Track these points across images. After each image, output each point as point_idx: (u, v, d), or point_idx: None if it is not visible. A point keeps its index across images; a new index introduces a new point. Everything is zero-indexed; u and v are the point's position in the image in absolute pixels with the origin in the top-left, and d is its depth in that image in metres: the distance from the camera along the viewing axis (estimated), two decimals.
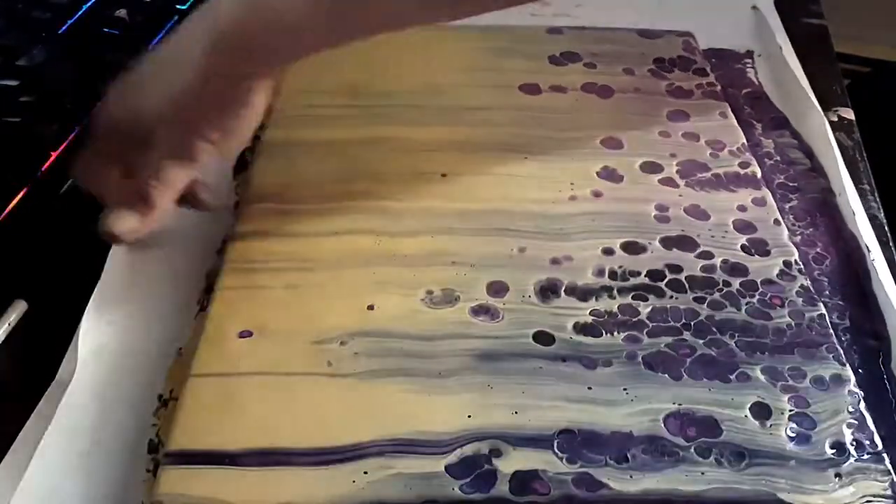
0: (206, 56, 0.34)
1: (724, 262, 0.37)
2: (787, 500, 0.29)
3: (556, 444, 0.30)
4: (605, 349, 0.33)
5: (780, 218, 0.40)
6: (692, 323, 0.34)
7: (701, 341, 0.34)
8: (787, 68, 0.51)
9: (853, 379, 0.33)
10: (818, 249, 0.40)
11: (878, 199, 0.44)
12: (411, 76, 0.47)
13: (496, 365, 0.32)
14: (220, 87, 0.35)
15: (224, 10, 0.34)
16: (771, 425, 0.31)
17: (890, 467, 0.30)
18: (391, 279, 0.36)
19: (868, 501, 0.29)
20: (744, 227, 0.39)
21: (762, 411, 0.31)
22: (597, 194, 0.40)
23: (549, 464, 0.29)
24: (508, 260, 0.37)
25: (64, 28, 0.53)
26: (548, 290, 0.36)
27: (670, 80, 0.48)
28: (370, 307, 0.35)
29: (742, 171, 0.42)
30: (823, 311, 0.35)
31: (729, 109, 0.46)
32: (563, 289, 0.36)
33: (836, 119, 0.49)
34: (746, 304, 0.35)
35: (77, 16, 0.54)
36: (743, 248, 0.38)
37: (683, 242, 0.38)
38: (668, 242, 0.38)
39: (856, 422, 0.31)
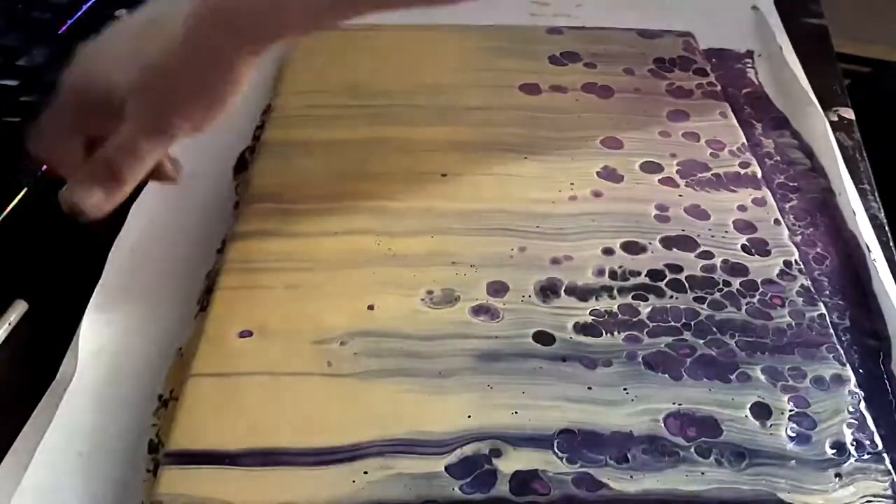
0: (187, 27, 0.32)
1: (725, 261, 0.37)
2: (787, 500, 0.29)
3: (556, 444, 0.30)
4: (605, 349, 0.33)
5: (780, 218, 0.40)
6: (692, 323, 0.34)
7: (701, 341, 0.34)
8: (787, 68, 0.51)
9: (853, 379, 0.33)
10: (818, 249, 0.40)
11: (878, 199, 0.44)
12: (411, 76, 0.47)
13: (496, 365, 0.32)
14: (202, 62, 0.32)
15: None
16: (771, 425, 0.31)
17: (890, 467, 0.30)
18: (391, 279, 0.36)
19: (868, 501, 0.29)
20: (744, 226, 0.39)
21: (762, 411, 0.31)
22: (597, 194, 0.40)
23: (549, 464, 0.29)
24: (508, 260, 0.37)
25: (64, 28, 0.53)
26: (548, 290, 0.36)
27: (670, 80, 0.48)
28: (370, 307, 0.35)
29: (742, 171, 0.42)
30: (823, 310, 0.35)
31: (729, 109, 0.46)
32: (563, 289, 0.36)
33: (836, 119, 0.49)
34: (746, 303, 0.35)
35: (77, 16, 0.54)
36: (743, 247, 0.38)
37: (683, 242, 0.38)
38: (668, 242, 0.38)
39: (856, 422, 0.31)
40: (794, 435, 0.31)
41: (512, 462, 0.29)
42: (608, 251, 0.37)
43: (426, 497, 0.28)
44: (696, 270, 0.37)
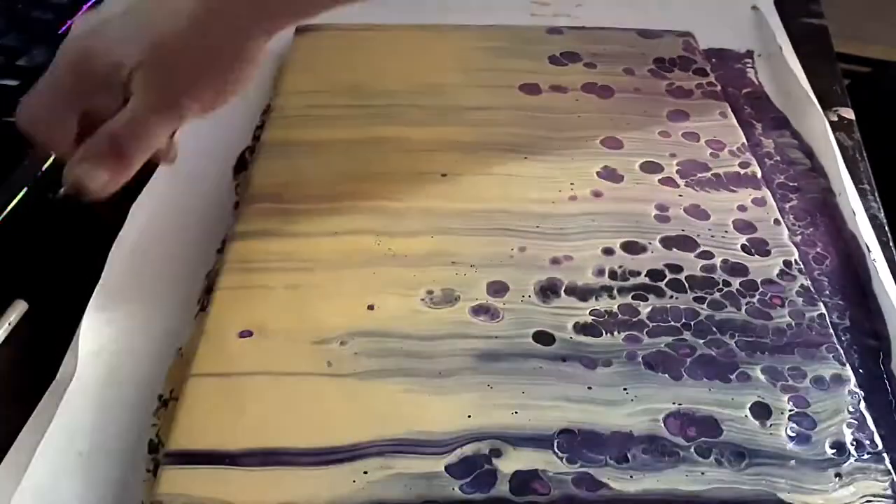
0: (202, 1, 0.30)
1: (724, 261, 0.37)
2: (787, 500, 0.29)
3: (556, 444, 0.30)
4: (605, 349, 0.33)
5: (780, 218, 0.40)
6: (692, 323, 0.34)
7: (701, 341, 0.34)
8: (787, 68, 0.51)
9: (853, 379, 0.33)
10: (818, 249, 0.40)
11: (878, 199, 0.44)
12: (411, 76, 0.47)
13: (496, 365, 0.32)
14: (217, 40, 0.31)
15: None
16: (771, 425, 0.31)
17: (890, 467, 0.30)
18: (391, 279, 0.36)
19: (868, 501, 0.29)
20: (744, 226, 0.39)
21: (762, 411, 0.31)
22: (597, 194, 0.40)
23: (549, 464, 0.29)
24: (508, 260, 0.37)
25: (64, 28, 0.53)
26: (548, 290, 0.36)
27: (670, 80, 0.48)
28: (370, 307, 0.35)
29: (742, 171, 0.42)
30: (823, 310, 0.35)
31: (729, 109, 0.46)
32: (563, 289, 0.36)
33: (836, 119, 0.49)
34: (746, 303, 0.35)
35: (77, 16, 0.54)
36: (743, 247, 0.38)
37: (683, 242, 0.38)
38: (668, 242, 0.38)
39: (856, 422, 0.31)
40: (794, 435, 0.31)
41: (512, 462, 0.29)
42: (608, 251, 0.37)
43: (426, 497, 0.28)
44: (696, 270, 0.37)
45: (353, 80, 0.47)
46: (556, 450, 0.30)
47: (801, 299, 0.36)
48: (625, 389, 0.32)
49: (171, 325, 0.36)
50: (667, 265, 0.37)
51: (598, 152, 0.43)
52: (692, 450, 0.30)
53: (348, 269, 0.36)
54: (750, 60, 0.53)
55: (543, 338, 0.34)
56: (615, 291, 0.36)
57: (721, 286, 0.36)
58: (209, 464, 0.29)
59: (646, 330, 0.34)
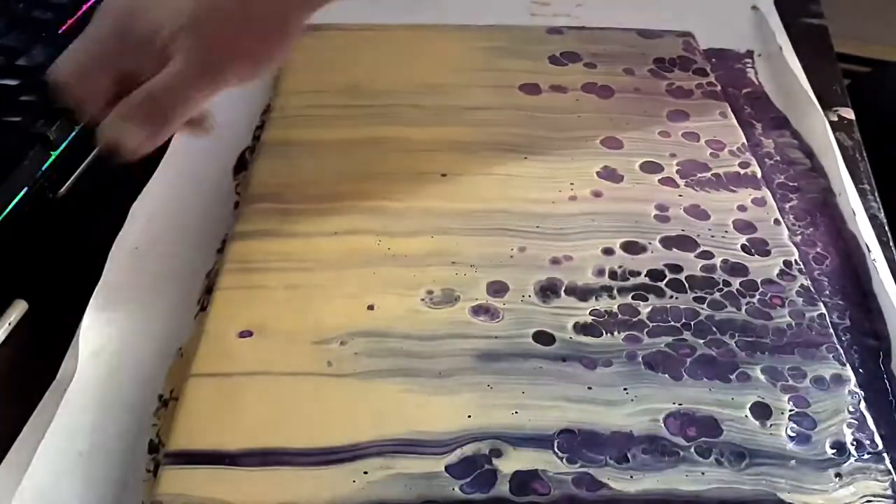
0: None
1: (724, 261, 0.37)
2: (788, 500, 0.29)
3: (556, 444, 0.30)
4: (605, 349, 0.33)
5: (780, 218, 0.40)
6: (692, 323, 0.34)
7: (701, 341, 0.34)
8: (787, 68, 0.51)
9: (853, 379, 0.33)
10: (818, 249, 0.40)
11: (878, 199, 0.44)
12: (411, 76, 0.47)
13: (496, 365, 0.32)
14: (262, 10, 0.31)
15: None
16: (771, 425, 0.31)
17: (890, 467, 0.30)
18: (391, 279, 0.36)
19: (868, 501, 0.29)
20: (744, 226, 0.39)
21: (762, 411, 0.31)
22: (597, 194, 0.40)
23: (549, 464, 0.29)
24: (508, 260, 0.37)
25: (64, 28, 0.53)
26: (548, 290, 0.36)
27: (670, 80, 0.48)
28: (370, 307, 0.35)
29: (742, 171, 0.42)
30: (823, 310, 0.35)
31: (729, 109, 0.46)
32: (563, 289, 0.36)
33: (836, 119, 0.49)
34: (746, 303, 0.35)
35: (77, 16, 0.54)
36: (743, 247, 0.38)
37: (683, 242, 0.38)
38: (668, 242, 0.38)
39: (856, 421, 0.31)
40: (794, 435, 0.31)
41: (512, 462, 0.29)
42: (608, 251, 0.37)
43: (426, 497, 0.28)
44: (696, 270, 0.37)
45: (353, 80, 0.47)
46: (556, 450, 0.30)
47: (801, 299, 0.36)
48: (625, 389, 0.32)
49: (171, 325, 0.36)
50: (667, 265, 0.37)
51: (598, 152, 0.43)
52: (692, 450, 0.30)
53: (348, 269, 0.36)
54: (750, 60, 0.53)
55: (543, 338, 0.34)
56: (615, 291, 0.36)
57: (721, 286, 0.36)
58: (209, 464, 0.29)
59: (646, 330, 0.34)
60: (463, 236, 0.38)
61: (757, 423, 0.31)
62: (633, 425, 0.31)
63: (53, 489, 0.30)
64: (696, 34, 0.52)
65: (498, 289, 0.36)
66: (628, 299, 0.35)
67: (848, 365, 0.33)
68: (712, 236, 0.38)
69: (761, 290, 0.36)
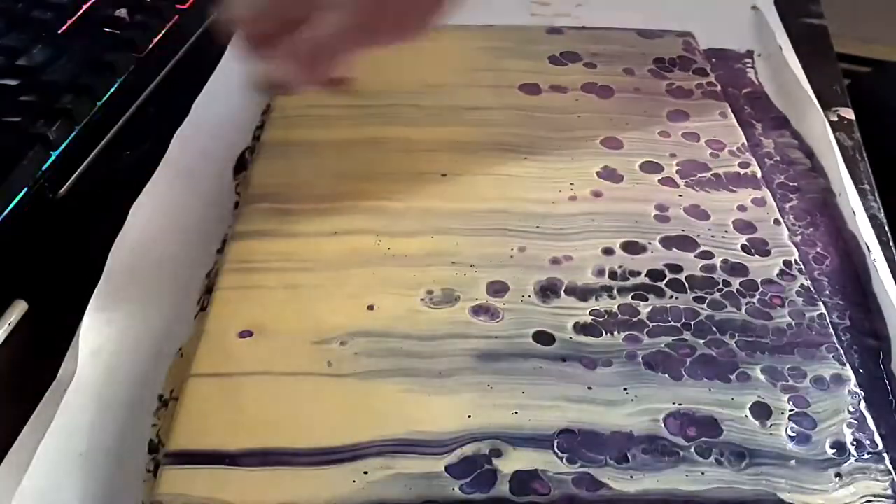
0: None
1: (724, 261, 0.37)
2: (787, 500, 0.29)
3: (556, 444, 0.30)
4: (605, 349, 0.33)
5: (780, 218, 0.40)
6: (692, 323, 0.34)
7: (701, 341, 0.34)
8: (787, 68, 0.51)
9: (853, 379, 0.33)
10: (818, 249, 0.40)
11: (878, 199, 0.44)
12: (411, 76, 0.47)
13: (496, 365, 0.32)
14: None
15: None
16: (771, 425, 0.31)
17: (890, 467, 0.30)
18: (391, 279, 0.36)
19: (868, 501, 0.29)
20: (744, 226, 0.39)
21: (762, 411, 0.31)
22: (597, 194, 0.40)
23: (549, 464, 0.29)
24: (508, 260, 0.37)
25: (64, 28, 0.53)
26: (548, 290, 0.36)
27: (670, 80, 0.48)
28: (370, 307, 0.35)
29: (742, 171, 0.42)
30: (823, 310, 0.35)
31: (729, 109, 0.46)
32: (563, 289, 0.36)
33: (836, 119, 0.49)
34: (746, 303, 0.35)
35: (77, 16, 0.54)
36: (743, 247, 0.38)
37: (683, 242, 0.38)
38: (668, 242, 0.38)
39: (856, 421, 0.31)
40: (794, 435, 0.31)
41: (512, 462, 0.29)
42: (608, 251, 0.37)
43: (426, 497, 0.28)
44: (696, 270, 0.37)
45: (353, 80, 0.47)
46: (556, 450, 0.30)
47: (801, 299, 0.36)
48: (625, 389, 0.32)
49: (171, 325, 0.36)
50: (667, 265, 0.37)
51: (598, 152, 0.43)
52: (692, 450, 0.30)
53: (348, 269, 0.36)
54: (750, 60, 0.53)
55: (543, 338, 0.34)
56: (615, 291, 0.36)
57: (721, 286, 0.36)
58: (209, 464, 0.29)
59: (646, 330, 0.34)
60: (463, 236, 0.38)
61: (757, 423, 0.31)
62: (633, 425, 0.31)
63: (53, 489, 0.30)
64: (696, 34, 0.52)
65: (498, 289, 0.36)
66: (628, 299, 0.35)
67: (848, 365, 0.33)
68: (712, 236, 0.38)
69: (761, 290, 0.36)
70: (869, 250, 0.39)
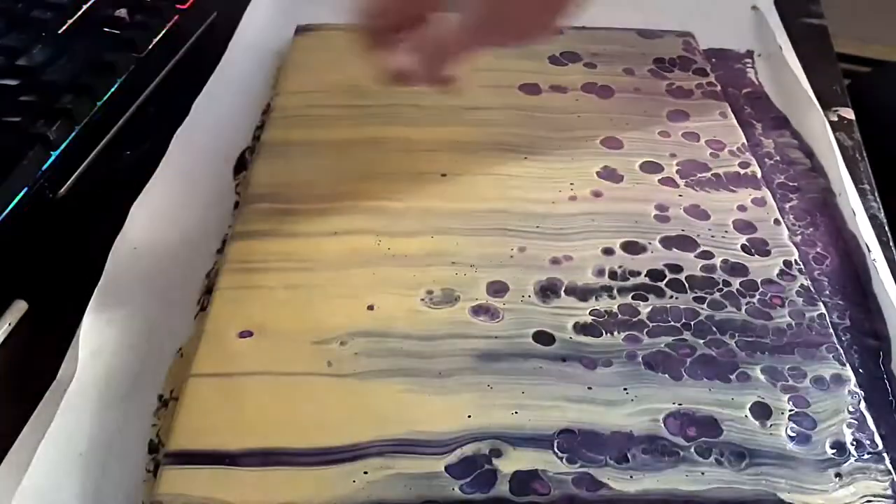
0: None
1: (724, 261, 0.37)
2: (787, 500, 0.29)
3: (556, 444, 0.30)
4: (605, 349, 0.33)
5: (780, 218, 0.40)
6: (692, 323, 0.34)
7: (701, 341, 0.34)
8: (787, 68, 0.51)
9: (853, 379, 0.33)
10: (818, 249, 0.40)
11: (878, 199, 0.44)
12: None
13: (496, 365, 0.33)
14: None
15: None
16: (771, 425, 0.31)
17: (890, 467, 0.30)
18: (391, 279, 0.36)
19: (868, 501, 0.29)
20: (744, 226, 0.39)
21: (762, 411, 0.31)
22: (597, 194, 0.40)
23: (549, 464, 0.29)
24: (508, 260, 0.37)
25: (64, 28, 0.53)
26: (548, 290, 0.36)
27: (670, 80, 0.48)
28: (370, 307, 0.35)
29: (742, 171, 0.42)
30: (823, 310, 0.35)
31: (729, 109, 0.46)
32: (563, 289, 0.36)
33: (836, 119, 0.49)
34: (746, 303, 0.35)
35: (77, 16, 0.54)
36: (743, 247, 0.38)
37: (683, 242, 0.38)
38: (668, 242, 0.38)
39: (856, 421, 0.31)
40: (794, 435, 0.31)
41: (512, 462, 0.29)
42: (608, 251, 0.37)
43: (426, 497, 0.28)
44: (696, 270, 0.37)
45: (353, 80, 0.47)
46: (556, 450, 0.30)
47: (801, 299, 0.36)
48: (625, 389, 0.32)
49: (171, 325, 0.36)
50: (667, 265, 0.37)
51: (598, 152, 0.43)
52: (692, 450, 0.30)
53: (348, 269, 0.36)
54: (750, 60, 0.53)
55: (543, 338, 0.34)
56: (615, 291, 0.36)
57: (721, 286, 0.36)
58: (209, 464, 0.29)
59: (646, 330, 0.34)
60: (463, 236, 0.38)
61: (757, 423, 0.31)
62: (633, 425, 0.31)
63: (53, 489, 0.30)
64: (696, 34, 0.52)
65: (498, 289, 0.36)
66: (628, 299, 0.35)
67: (848, 365, 0.33)
68: (712, 236, 0.38)
69: (761, 290, 0.36)
70: (869, 250, 0.39)
